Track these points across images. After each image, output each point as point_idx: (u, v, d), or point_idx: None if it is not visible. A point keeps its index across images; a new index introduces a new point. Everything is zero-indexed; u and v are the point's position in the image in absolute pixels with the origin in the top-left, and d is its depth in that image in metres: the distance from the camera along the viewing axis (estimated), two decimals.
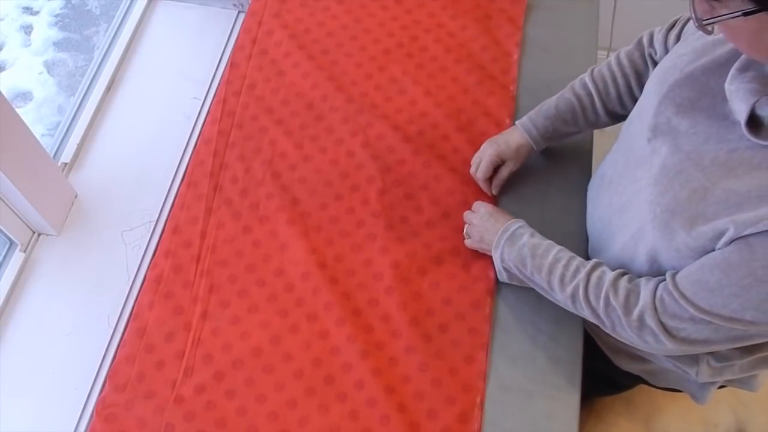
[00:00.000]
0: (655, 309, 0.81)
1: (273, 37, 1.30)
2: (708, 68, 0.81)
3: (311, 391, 0.96)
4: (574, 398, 0.97)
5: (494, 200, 1.12)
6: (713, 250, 0.76)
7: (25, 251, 1.11)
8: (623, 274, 0.88)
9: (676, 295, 0.79)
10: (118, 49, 1.34)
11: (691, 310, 0.78)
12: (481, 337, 1.00)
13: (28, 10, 2.04)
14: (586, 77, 1.06)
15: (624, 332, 0.86)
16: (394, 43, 1.30)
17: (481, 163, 1.10)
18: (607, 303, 0.85)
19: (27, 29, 2.00)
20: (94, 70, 1.32)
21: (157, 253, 1.08)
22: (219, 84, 1.25)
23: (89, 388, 1.01)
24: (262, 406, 0.95)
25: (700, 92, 0.81)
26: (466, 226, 1.07)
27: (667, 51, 0.97)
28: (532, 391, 0.97)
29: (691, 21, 0.89)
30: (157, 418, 0.94)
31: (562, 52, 1.28)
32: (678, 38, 0.95)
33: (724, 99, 0.78)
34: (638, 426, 1.61)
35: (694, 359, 0.96)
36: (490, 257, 1.02)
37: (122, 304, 1.07)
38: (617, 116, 1.06)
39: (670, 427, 1.61)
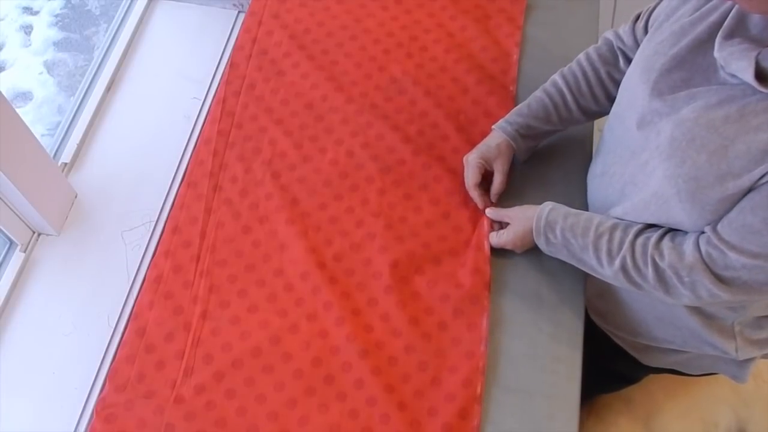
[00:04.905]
0: (706, 265, 0.81)
1: (273, 38, 1.30)
2: (692, 47, 0.82)
3: (311, 391, 0.96)
4: (574, 398, 0.97)
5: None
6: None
7: (25, 251, 1.11)
8: (664, 234, 0.87)
9: (724, 247, 0.79)
10: (118, 49, 1.34)
11: (743, 258, 0.78)
12: (479, 332, 1.00)
13: (28, 10, 2.04)
14: (556, 76, 1.07)
15: (678, 294, 0.86)
16: (394, 43, 1.30)
17: (468, 171, 1.09)
18: (656, 267, 0.86)
19: (27, 29, 2.01)
20: (94, 70, 1.32)
21: (156, 253, 1.08)
22: (219, 84, 1.25)
23: (89, 388, 1.01)
24: (262, 405, 0.95)
25: (691, 71, 0.82)
26: (496, 225, 1.07)
27: (636, 42, 0.98)
28: (532, 391, 0.97)
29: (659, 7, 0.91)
30: (157, 418, 0.94)
31: (562, 52, 1.28)
32: (645, 29, 0.96)
33: (716, 70, 0.79)
34: (638, 425, 1.60)
35: (730, 334, 0.96)
36: (487, 252, 1.04)
37: (122, 304, 1.07)
38: (591, 113, 1.07)
39: (670, 426, 1.60)
